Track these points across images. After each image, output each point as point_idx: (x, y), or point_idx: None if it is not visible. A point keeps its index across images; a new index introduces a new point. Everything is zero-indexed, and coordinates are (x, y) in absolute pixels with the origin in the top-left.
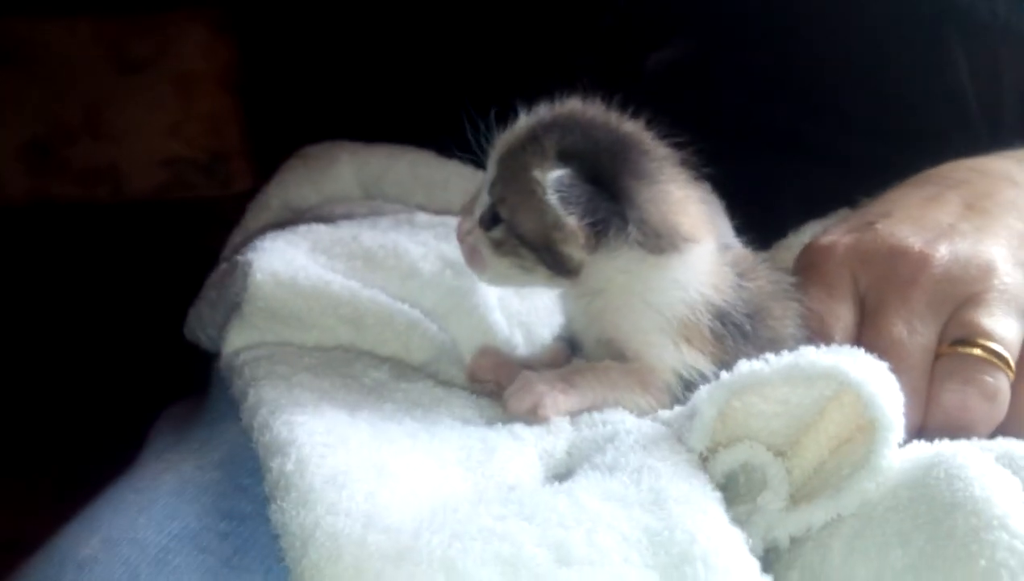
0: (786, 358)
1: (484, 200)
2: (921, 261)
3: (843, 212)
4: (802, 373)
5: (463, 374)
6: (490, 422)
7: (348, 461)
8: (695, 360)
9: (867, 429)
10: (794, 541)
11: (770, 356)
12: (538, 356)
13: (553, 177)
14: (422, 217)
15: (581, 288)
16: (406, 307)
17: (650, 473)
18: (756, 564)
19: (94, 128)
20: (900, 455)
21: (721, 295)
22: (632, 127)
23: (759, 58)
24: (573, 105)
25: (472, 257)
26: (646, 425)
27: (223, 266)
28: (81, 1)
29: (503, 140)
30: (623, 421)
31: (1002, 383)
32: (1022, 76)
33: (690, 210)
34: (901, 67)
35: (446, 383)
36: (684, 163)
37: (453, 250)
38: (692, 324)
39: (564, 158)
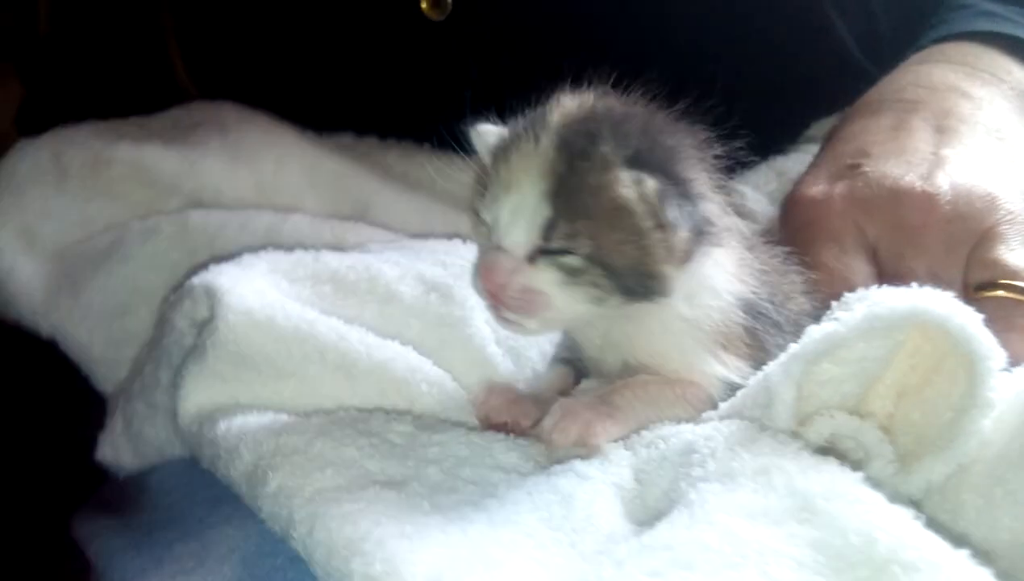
0: (859, 312)
1: (527, 236)
2: (927, 202)
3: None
4: (883, 322)
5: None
6: (540, 464)
7: (439, 553)
8: (736, 366)
9: (943, 370)
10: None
11: (840, 314)
12: (544, 385)
13: (653, 191)
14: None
15: (616, 312)
16: (397, 345)
17: (779, 473)
18: (944, 542)
19: None
20: (1014, 389)
21: (748, 286)
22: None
23: (640, 72)
24: (585, 102)
25: (530, 301)
26: (720, 425)
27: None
28: None
29: (533, 167)
30: (683, 430)
31: None
32: (893, 16)
33: (712, 195)
34: (783, 40)
35: (475, 427)
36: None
37: (430, 270)
38: (726, 329)
39: (634, 166)
